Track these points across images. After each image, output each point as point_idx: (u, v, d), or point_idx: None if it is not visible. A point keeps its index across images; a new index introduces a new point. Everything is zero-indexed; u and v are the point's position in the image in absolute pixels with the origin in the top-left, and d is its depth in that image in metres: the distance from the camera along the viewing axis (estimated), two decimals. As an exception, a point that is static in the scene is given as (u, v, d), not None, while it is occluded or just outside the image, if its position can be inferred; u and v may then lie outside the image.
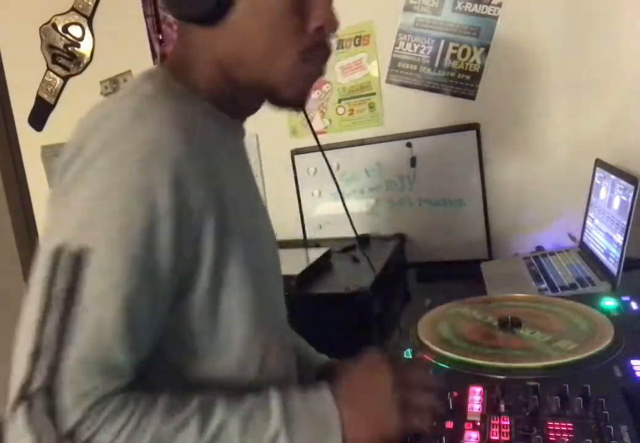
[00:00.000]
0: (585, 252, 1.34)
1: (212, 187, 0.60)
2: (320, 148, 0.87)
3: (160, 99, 0.60)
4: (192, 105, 0.63)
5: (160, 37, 1.77)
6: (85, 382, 0.53)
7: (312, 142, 1.66)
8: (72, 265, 0.53)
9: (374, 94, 1.61)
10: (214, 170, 0.61)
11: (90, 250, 0.53)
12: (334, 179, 0.97)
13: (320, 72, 0.67)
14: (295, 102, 0.68)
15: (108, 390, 0.54)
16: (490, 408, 0.75)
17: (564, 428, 0.69)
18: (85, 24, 1.88)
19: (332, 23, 0.64)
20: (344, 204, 0.99)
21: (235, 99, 0.68)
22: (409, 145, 1.58)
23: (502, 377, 0.82)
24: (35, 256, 0.57)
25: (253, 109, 0.72)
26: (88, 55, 1.90)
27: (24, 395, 0.52)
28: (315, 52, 0.65)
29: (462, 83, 1.52)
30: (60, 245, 0.54)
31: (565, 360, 0.83)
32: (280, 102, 0.68)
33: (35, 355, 0.53)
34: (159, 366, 0.61)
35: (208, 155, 0.61)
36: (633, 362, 0.82)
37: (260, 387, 0.64)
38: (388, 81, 1.59)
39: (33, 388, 0.52)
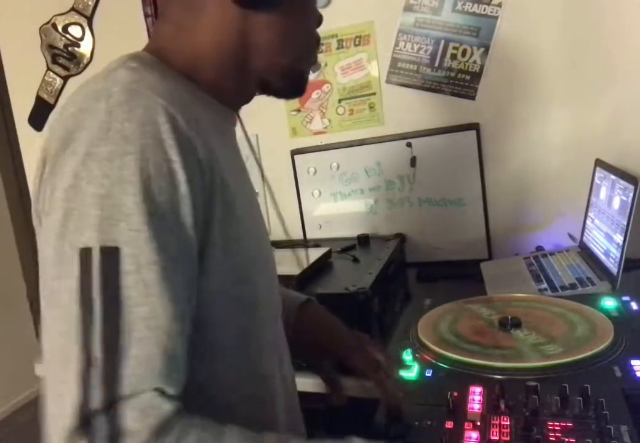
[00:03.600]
0: (585, 252, 1.34)
1: (210, 157, 0.58)
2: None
3: (145, 74, 0.58)
4: (179, 87, 0.61)
5: (160, 37, 1.77)
6: (147, 391, 0.49)
7: (312, 142, 1.67)
8: (104, 269, 0.50)
9: (374, 94, 1.61)
10: (210, 144, 0.59)
11: (119, 247, 0.50)
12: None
13: (316, 60, 0.76)
14: (304, 89, 0.74)
15: (173, 404, 0.51)
16: (490, 408, 0.75)
17: (564, 428, 0.69)
18: (85, 24, 1.88)
19: (322, 19, 0.74)
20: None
21: (236, 85, 0.68)
22: (409, 145, 1.58)
23: (502, 377, 0.82)
24: (45, 260, 0.53)
25: (248, 98, 0.73)
26: (88, 55, 1.90)
27: (83, 421, 0.47)
28: (317, 44, 0.74)
29: (462, 83, 1.52)
30: (84, 248, 0.50)
31: (565, 360, 0.83)
32: (288, 88, 0.72)
33: (86, 370, 0.48)
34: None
35: (202, 131, 0.59)
36: (633, 362, 0.82)
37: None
38: (388, 81, 1.59)
39: (91, 411, 0.48)
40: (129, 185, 0.51)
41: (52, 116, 0.60)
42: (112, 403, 0.48)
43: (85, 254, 0.50)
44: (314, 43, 0.73)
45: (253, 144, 0.81)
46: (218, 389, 0.63)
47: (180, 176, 0.53)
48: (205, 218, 0.57)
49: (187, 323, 0.55)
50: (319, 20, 0.73)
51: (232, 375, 0.64)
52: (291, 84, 0.72)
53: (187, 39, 0.65)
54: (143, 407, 0.49)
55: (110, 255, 0.50)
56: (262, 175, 0.96)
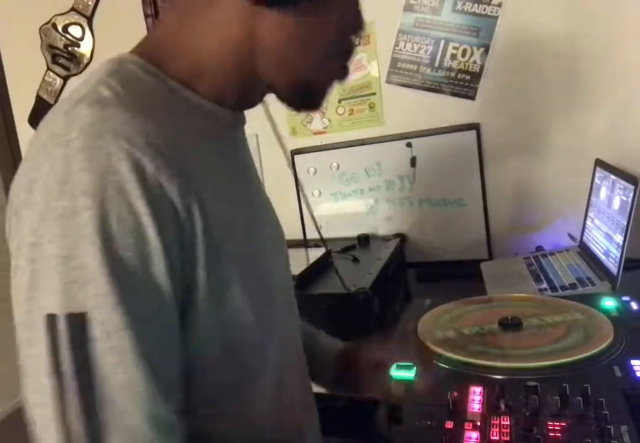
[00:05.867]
0: (585, 252, 1.34)
1: (191, 196, 0.52)
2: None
3: (111, 110, 0.50)
4: (160, 107, 0.55)
5: (160, 37, 1.77)
6: None
7: (312, 142, 1.67)
8: (72, 337, 0.46)
9: (374, 94, 1.61)
10: (193, 178, 0.53)
11: (87, 312, 0.46)
12: (296, 181, 0.95)
13: (346, 74, 0.65)
14: (317, 104, 0.65)
15: None
16: (490, 408, 0.75)
17: (564, 428, 0.69)
18: (85, 24, 1.88)
19: (363, 26, 0.63)
20: (307, 207, 0.93)
21: (240, 89, 0.62)
22: (409, 145, 1.58)
23: (502, 377, 0.82)
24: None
25: (254, 103, 0.66)
26: (88, 55, 1.90)
27: None
28: (347, 55, 0.64)
29: (462, 83, 1.52)
30: (48, 316, 0.46)
31: (565, 360, 0.83)
32: (303, 103, 0.64)
33: None
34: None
35: (183, 160, 0.53)
36: (633, 362, 0.82)
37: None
38: (388, 81, 1.59)
39: None
40: (91, 245, 0.46)
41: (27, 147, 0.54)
42: None
43: (51, 321, 0.46)
44: (339, 54, 0.62)
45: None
46: (217, 437, 0.59)
47: (150, 229, 0.48)
48: (186, 264, 0.52)
49: (169, 377, 0.51)
50: (355, 26, 0.62)
51: (227, 424, 0.60)
52: (299, 98, 0.63)
53: (192, 39, 0.59)
54: None
55: (78, 322, 0.46)
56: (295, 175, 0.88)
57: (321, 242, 1.03)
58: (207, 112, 0.60)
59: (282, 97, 0.63)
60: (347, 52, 0.63)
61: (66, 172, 0.47)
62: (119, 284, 0.47)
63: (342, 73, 0.64)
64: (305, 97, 0.63)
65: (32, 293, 0.47)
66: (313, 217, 0.93)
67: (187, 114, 0.58)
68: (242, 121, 0.67)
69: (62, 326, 0.46)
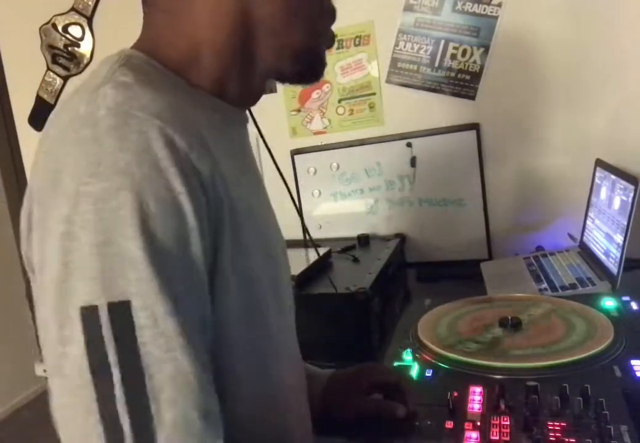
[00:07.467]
0: (585, 252, 1.34)
1: (215, 176, 0.51)
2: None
3: (137, 89, 0.49)
4: (176, 95, 0.53)
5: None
6: None
7: (312, 142, 1.67)
8: (116, 327, 0.43)
9: (374, 94, 1.61)
10: (215, 160, 0.52)
11: (130, 300, 0.44)
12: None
13: (334, 39, 0.67)
14: (320, 72, 0.65)
15: None
16: (490, 408, 0.75)
17: (564, 428, 0.69)
18: (85, 24, 1.88)
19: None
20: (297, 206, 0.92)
21: (240, 78, 0.60)
22: (409, 145, 1.58)
23: (502, 377, 0.82)
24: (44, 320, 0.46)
25: (256, 95, 0.65)
26: (88, 55, 1.90)
27: None
28: (331, 17, 0.65)
29: (462, 83, 1.52)
30: (88, 306, 0.43)
31: (565, 360, 0.83)
32: (304, 74, 0.64)
33: None
34: None
35: (206, 140, 0.52)
36: (633, 362, 0.82)
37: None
38: (388, 81, 1.59)
39: None
40: (129, 228, 0.44)
41: (39, 142, 0.52)
42: None
43: (90, 313, 0.43)
44: (327, 14, 0.62)
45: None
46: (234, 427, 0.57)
47: (187, 207, 0.46)
48: (213, 246, 0.50)
49: (209, 366, 0.49)
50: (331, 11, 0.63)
51: (248, 411, 0.58)
52: (307, 68, 0.63)
53: (182, 25, 0.56)
54: None
55: (121, 311, 0.43)
56: (280, 172, 0.89)
57: (310, 242, 1.02)
58: (213, 107, 0.58)
59: (287, 74, 0.63)
60: (330, 13, 0.63)
61: (98, 153, 0.44)
62: (161, 267, 0.44)
63: (330, 38, 0.65)
64: (309, 66, 0.63)
65: (64, 287, 0.44)
66: (301, 218, 0.92)
67: (196, 108, 0.55)
68: (245, 120, 0.66)
69: (103, 317, 0.43)
